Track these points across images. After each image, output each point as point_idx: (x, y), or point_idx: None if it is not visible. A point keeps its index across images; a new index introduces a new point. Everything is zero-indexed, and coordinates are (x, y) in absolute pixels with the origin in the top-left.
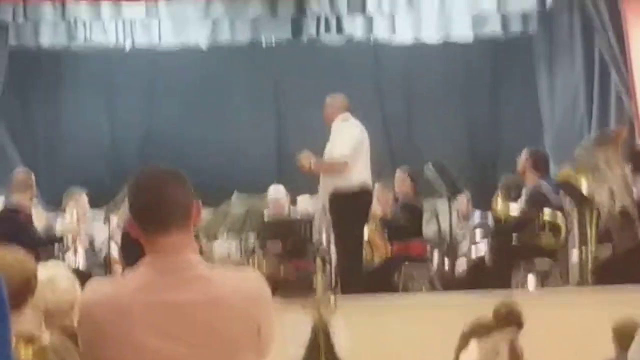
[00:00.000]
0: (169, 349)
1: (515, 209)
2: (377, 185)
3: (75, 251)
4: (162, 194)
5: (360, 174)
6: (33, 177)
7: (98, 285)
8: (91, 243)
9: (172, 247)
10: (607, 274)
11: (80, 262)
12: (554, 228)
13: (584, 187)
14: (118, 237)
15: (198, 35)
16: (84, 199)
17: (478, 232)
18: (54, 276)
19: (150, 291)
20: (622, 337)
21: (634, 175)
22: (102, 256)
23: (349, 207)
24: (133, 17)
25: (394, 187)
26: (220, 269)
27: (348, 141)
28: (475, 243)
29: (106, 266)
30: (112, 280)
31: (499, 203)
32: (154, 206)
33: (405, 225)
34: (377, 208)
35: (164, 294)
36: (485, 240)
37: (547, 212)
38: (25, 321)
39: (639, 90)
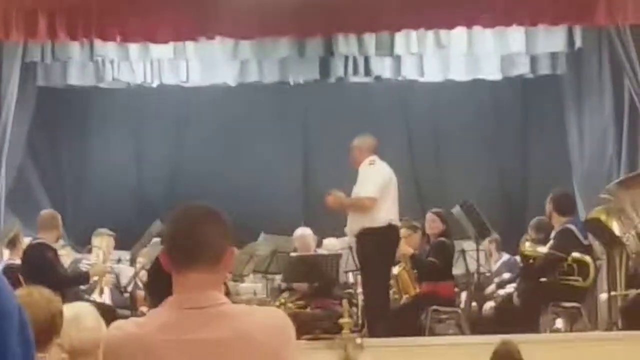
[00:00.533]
0: None
1: (543, 250)
2: (405, 225)
3: (102, 291)
4: (194, 229)
5: (387, 213)
6: (59, 218)
7: (123, 325)
8: (117, 283)
9: (198, 285)
10: (635, 316)
11: (107, 301)
12: (582, 269)
13: (615, 228)
14: (144, 277)
15: (226, 76)
16: (110, 239)
17: (506, 273)
18: (79, 315)
19: (174, 329)
20: None
21: None
22: (127, 296)
23: (376, 246)
24: (161, 57)
25: (424, 227)
26: (244, 306)
27: (376, 181)
28: (503, 286)
29: (132, 306)
30: (137, 320)
31: (527, 244)
32: (184, 240)
33: (436, 265)
34: (407, 248)
35: (188, 331)
36: (513, 282)
37: (575, 253)
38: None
39: None
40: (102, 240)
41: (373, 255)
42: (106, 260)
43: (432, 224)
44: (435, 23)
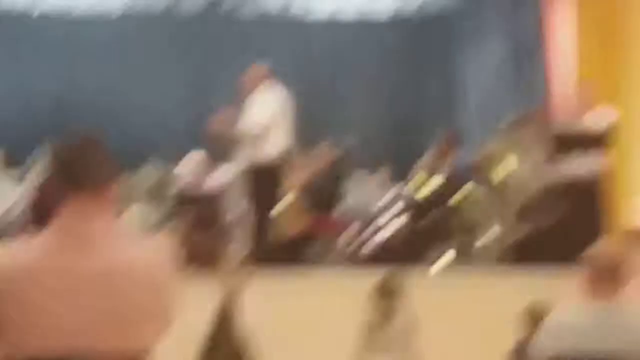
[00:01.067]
0: (71, 314)
1: (436, 182)
2: (300, 155)
3: None
4: (79, 156)
5: (277, 145)
6: None
7: (4, 248)
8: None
9: (83, 212)
10: (523, 253)
11: None
12: (474, 203)
13: (507, 164)
14: (29, 200)
15: (112, 4)
16: None
17: (397, 205)
18: None
19: (55, 256)
20: (533, 318)
21: (555, 155)
22: (11, 218)
23: (266, 179)
24: None
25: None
26: (128, 236)
27: (268, 109)
28: (394, 217)
29: (18, 227)
30: (20, 244)
31: (419, 176)
32: (70, 166)
33: (327, 194)
34: (299, 178)
35: (69, 259)
36: (405, 214)
37: (466, 186)
38: None
39: (563, 68)
40: None
41: (261, 187)
42: None
43: (321, 154)
44: None
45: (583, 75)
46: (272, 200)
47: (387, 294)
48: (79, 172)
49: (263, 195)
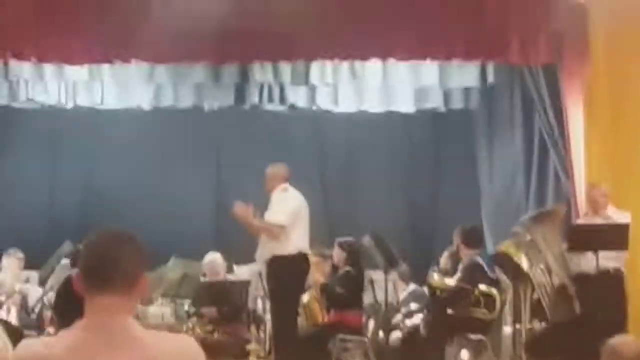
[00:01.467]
0: None
1: (450, 282)
2: (316, 253)
3: (8, 311)
4: (108, 253)
5: (298, 241)
6: None
7: (30, 344)
8: (24, 304)
9: (109, 309)
10: (540, 349)
11: (13, 321)
12: (489, 302)
13: (523, 262)
14: (52, 298)
15: (141, 99)
16: (18, 260)
17: (413, 303)
18: None
19: (82, 352)
20: None
21: (570, 252)
22: (35, 317)
23: (286, 274)
24: (76, 78)
25: (333, 257)
26: (154, 332)
27: (286, 208)
28: (409, 315)
29: (38, 327)
30: (44, 340)
31: (435, 276)
32: (98, 264)
33: (343, 294)
34: (317, 276)
35: (96, 355)
36: (420, 312)
37: (482, 285)
38: None
39: (576, 169)
40: (11, 260)
41: (282, 283)
42: (14, 280)
43: (337, 253)
44: (350, 54)
45: (593, 175)
46: (293, 297)
47: None
48: (108, 271)
49: (283, 291)
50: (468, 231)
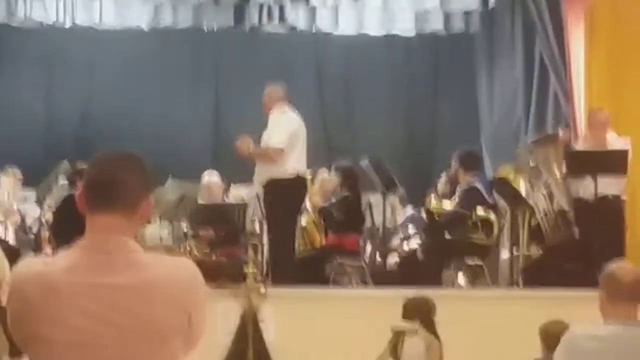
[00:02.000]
0: (97, 330)
1: (448, 206)
2: (318, 175)
3: (6, 229)
4: (112, 173)
5: (295, 163)
6: None
7: (30, 263)
8: (22, 222)
9: (109, 228)
10: (537, 274)
11: (11, 239)
12: (487, 226)
13: (522, 187)
14: (49, 217)
15: (140, 19)
16: (16, 176)
17: (410, 227)
18: None
19: (81, 272)
20: (549, 337)
21: (569, 177)
22: (32, 235)
23: (283, 196)
24: None
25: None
26: (153, 255)
27: (284, 131)
28: (407, 238)
29: (36, 246)
30: (44, 259)
31: (432, 201)
32: (102, 183)
33: (342, 217)
34: (316, 199)
35: (94, 275)
36: (418, 236)
37: (479, 210)
38: None
39: (576, 93)
40: (8, 178)
41: (279, 206)
42: (12, 198)
43: (334, 177)
44: None
45: (593, 100)
46: (290, 219)
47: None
48: (112, 191)
49: (280, 213)
50: (466, 154)
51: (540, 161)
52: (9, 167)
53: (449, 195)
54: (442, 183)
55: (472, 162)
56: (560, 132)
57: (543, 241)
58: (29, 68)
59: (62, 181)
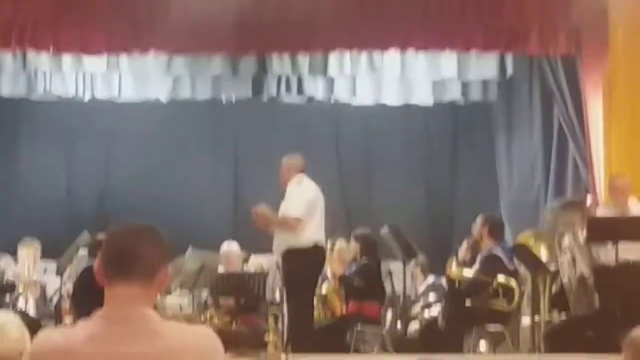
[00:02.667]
0: None
1: (469, 273)
2: (336, 244)
3: (27, 300)
4: (131, 244)
5: (313, 232)
6: None
7: (49, 334)
8: (42, 293)
9: (129, 299)
10: (558, 341)
11: (31, 311)
12: (507, 293)
13: (542, 253)
14: (69, 288)
15: (159, 91)
16: (36, 249)
17: (432, 295)
18: (3, 325)
19: (101, 342)
20: None
21: (590, 243)
22: (52, 307)
23: (301, 266)
24: (94, 70)
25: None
26: (173, 324)
27: (302, 200)
28: (428, 306)
29: (57, 317)
30: (63, 330)
31: (453, 267)
32: (120, 254)
33: (362, 285)
34: (337, 267)
35: (114, 345)
36: (439, 303)
37: (500, 277)
38: None
39: (595, 160)
40: (28, 250)
41: (297, 274)
42: (32, 270)
43: (353, 245)
44: (369, 44)
45: (612, 166)
46: (308, 288)
47: None
48: (129, 262)
49: (299, 281)
50: (491, 220)
51: (564, 225)
52: (26, 238)
53: (470, 262)
54: (463, 250)
55: (496, 229)
56: (588, 198)
57: (566, 307)
58: (49, 141)
59: (82, 252)
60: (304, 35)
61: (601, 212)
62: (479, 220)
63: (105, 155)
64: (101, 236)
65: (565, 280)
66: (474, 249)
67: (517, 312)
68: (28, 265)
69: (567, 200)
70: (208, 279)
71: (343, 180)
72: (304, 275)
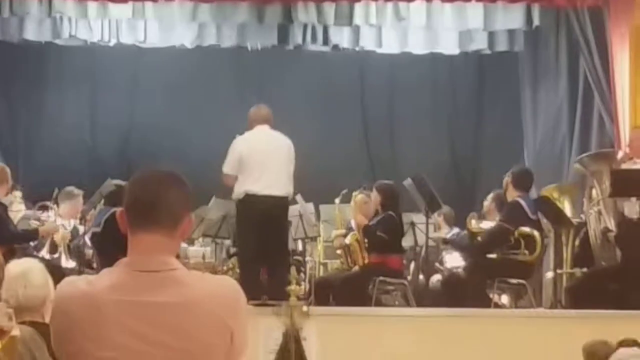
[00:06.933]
0: (140, 348)
1: (488, 226)
2: (358, 195)
3: (53, 248)
4: (154, 192)
5: (249, 185)
6: (8, 171)
7: (74, 282)
8: (71, 241)
9: (152, 247)
10: (580, 295)
11: (62, 258)
12: (529, 244)
13: (567, 207)
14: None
15: (184, 38)
16: (79, 199)
17: (455, 246)
18: (27, 271)
19: (124, 290)
20: (593, 357)
21: (613, 197)
22: (77, 254)
23: (238, 217)
24: (119, 16)
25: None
26: (196, 274)
27: (229, 156)
28: (451, 259)
29: (80, 264)
30: (87, 278)
31: (473, 221)
32: (143, 202)
33: (385, 237)
34: (361, 218)
35: (138, 293)
36: (461, 256)
37: (522, 227)
38: None
39: (621, 113)
40: (72, 199)
41: (238, 224)
42: (73, 217)
43: (374, 196)
44: None
45: (637, 120)
46: (246, 237)
47: None
48: (153, 209)
49: (238, 232)
50: (520, 172)
51: (593, 177)
52: (70, 189)
53: (494, 213)
54: (488, 200)
55: (525, 181)
56: (620, 152)
57: (589, 262)
58: (74, 85)
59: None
60: None
61: (625, 165)
62: (508, 172)
63: (129, 102)
64: (117, 183)
65: (591, 233)
66: (500, 199)
67: (539, 265)
68: (56, 214)
69: (597, 152)
70: (231, 229)
71: (367, 131)
72: (239, 226)
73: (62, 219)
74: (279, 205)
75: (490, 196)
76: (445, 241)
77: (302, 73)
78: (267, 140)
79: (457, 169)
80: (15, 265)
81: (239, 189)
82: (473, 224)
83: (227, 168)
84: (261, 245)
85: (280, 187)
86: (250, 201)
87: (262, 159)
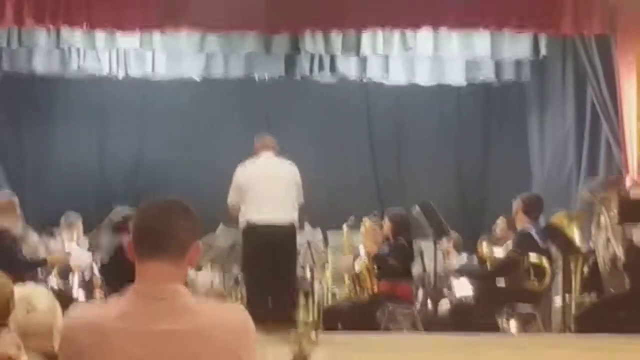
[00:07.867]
0: None
1: (499, 252)
2: (367, 222)
3: (62, 276)
4: (162, 220)
5: (251, 214)
6: (17, 201)
7: (82, 309)
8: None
9: (160, 275)
10: (590, 322)
11: (75, 285)
12: (539, 273)
13: (576, 234)
14: (101, 263)
15: (192, 69)
16: (79, 224)
17: (464, 273)
18: (32, 294)
19: (132, 319)
20: None
21: (621, 224)
22: (84, 282)
23: (244, 244)
24: (127, 47)
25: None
26: (205, 302)
27: (232, 188)
28: (459, 286)
29: (88, 292)
30: (95, 305)
31: (484, 246)
32: (151, 231)
33: (396, 265)
34: (371, 245)
35: (146, 322)
36: (470, 282)
37: (532, 256)
38: (3, 343)
39: (628, 141)
40: (72, 224)
41: (244, 253)
42: (76, 243)
43: (386, 224)
44: (402, 22)
45: None
46: (251, 266)
47: None
48: (161, 238)
49: (245, 259)
50: (531, 198)
51: (601, 204)
52: (71, 214)
53: (504, 240)
54: (499, 227)
55: (535, 208)
56: (628, 179)
57: (598, 288)
58: (82, 118)
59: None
60: (336, 13)
61: (634, 193)
62: (518, 197)
63: (137, 133)
64: (125, 211)
65: (599, 260)
66: (510, 227)
67: (548, 292)
68: (68, 241)
69: (605, 179)
70: (239, 256)
71: (375, 159)
72: (245, 254)
73: (68, 244)
74: (283, 233)
75: (502, 221)
76: (457, 271)
77: (309, 103)
78: (270, 168)
79: (464, 196)
80: (19, 291)
81: (242, 219)
82: (484, 247)
83: (229, 199)
84: (267, 274)
85: (283, 215)
86: (252, 231)
87: (263, 188)
